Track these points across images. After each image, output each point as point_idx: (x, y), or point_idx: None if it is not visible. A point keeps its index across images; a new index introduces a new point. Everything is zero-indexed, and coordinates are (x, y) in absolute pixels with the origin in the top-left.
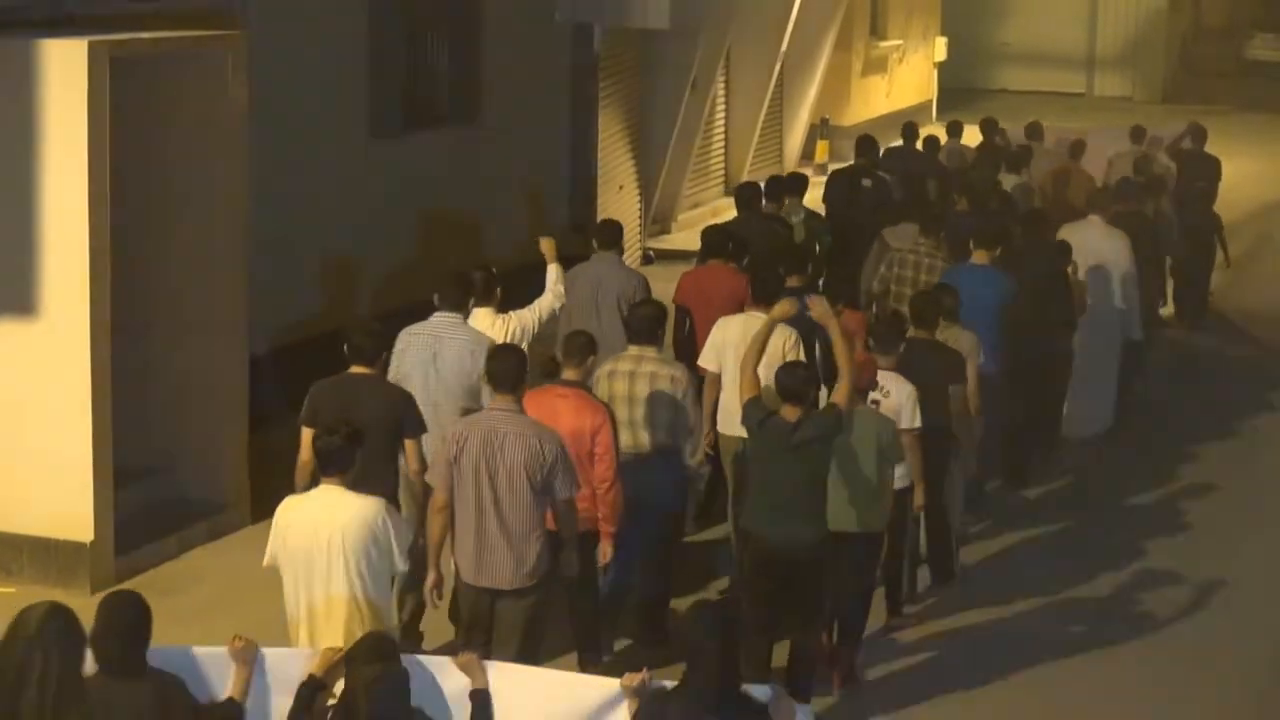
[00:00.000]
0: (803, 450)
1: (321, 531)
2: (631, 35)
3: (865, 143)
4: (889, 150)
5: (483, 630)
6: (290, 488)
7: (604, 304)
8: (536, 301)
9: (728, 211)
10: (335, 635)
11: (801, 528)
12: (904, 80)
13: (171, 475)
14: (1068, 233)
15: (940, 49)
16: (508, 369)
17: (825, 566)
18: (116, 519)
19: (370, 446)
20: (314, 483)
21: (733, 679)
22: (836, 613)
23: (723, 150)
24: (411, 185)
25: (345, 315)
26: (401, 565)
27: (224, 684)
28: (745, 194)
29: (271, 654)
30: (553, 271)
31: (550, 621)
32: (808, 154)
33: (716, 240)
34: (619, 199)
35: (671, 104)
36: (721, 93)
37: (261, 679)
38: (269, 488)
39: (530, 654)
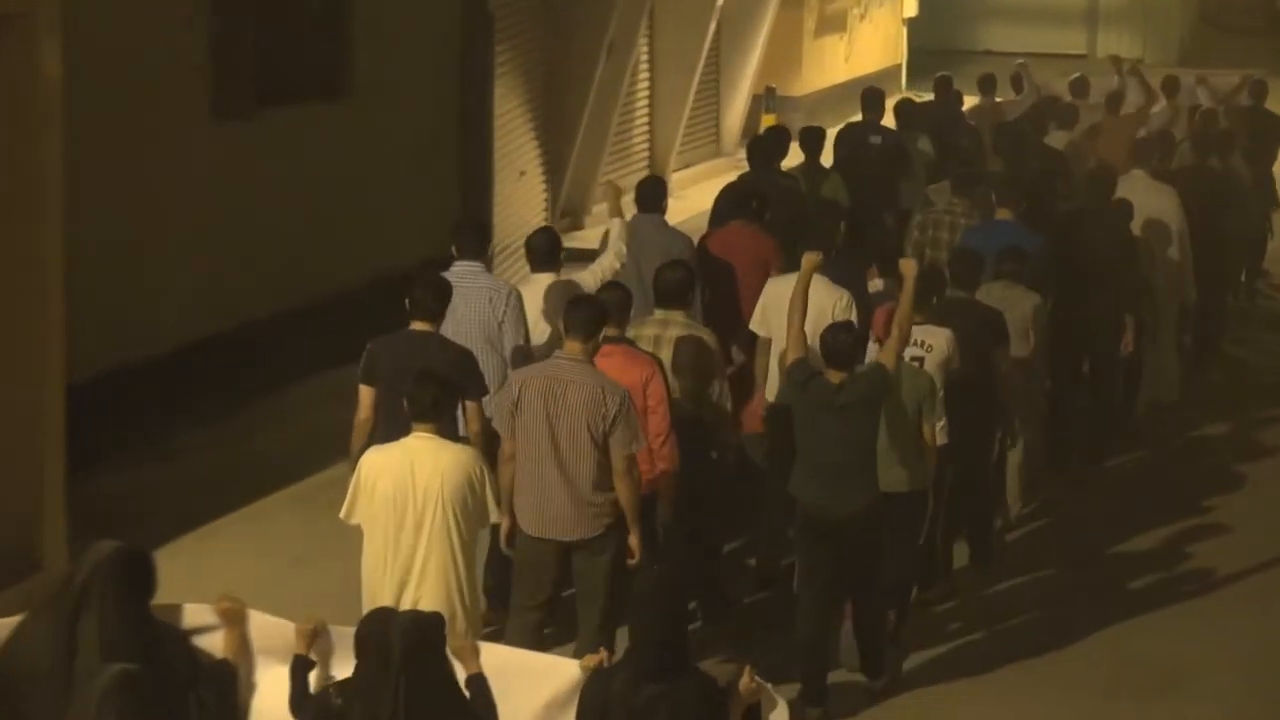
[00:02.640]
0: (849, 412)
1: (420, 476)
2: None
3: (871, 96)
4: (907, 104)
5: (545, 587)
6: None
7: (646, 269)
8: (597, 261)
9: None
10: (436, 594)
11: (852, 493)
12: (867, 41)
13: None
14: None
15: (911, 2)
16: (583, 316)
17: (880, 532)
18: None
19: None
20: (383, 438)
21: (677, 647)
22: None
23: (646, 127)
24: (266, 174)
25: (191, 332)
26: (495, 517)
27: (211, 645)
28: (764, 147)
29: (254, 621)
30: (615, 226)
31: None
32: (750, 131)
33: (737, 199)
34: (520, 187)
35: (584, 72)
36: (645, 58)
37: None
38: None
39: (615, 614)
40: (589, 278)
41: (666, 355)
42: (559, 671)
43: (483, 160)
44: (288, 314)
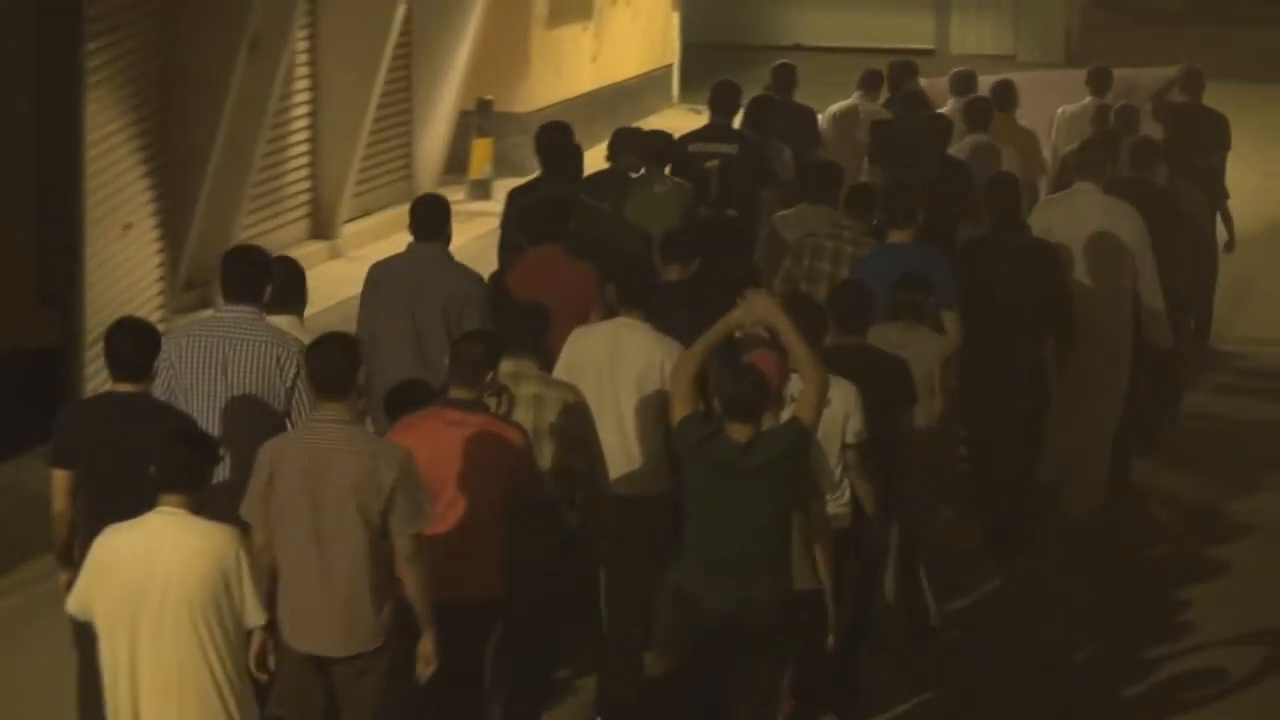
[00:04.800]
0: (757, 479)
1: (160, 563)
2: None
3: (724, 91)
4: (761, 102)
5: (314, 714)
6: None
7: (424, 315)
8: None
9: (323, 263)
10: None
11: (759, 588)
12: (623, 34)
13: None
14: (1043, 211)
15: None
16: (334, 367)
17: (789, 636)
18: None
19: (142, 483)
20: (86, 542)
21: None
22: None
23: (307, 159)
24: None
25: None
26: (258, 617)
27: None
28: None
29: None
30: None
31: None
32: (457, 163)
33: (550, 216)
34: (124, 246)
35: (216, 80)
36: (304, 60)
37: None
38: None
39: None
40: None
41: (524, 418)
42: None
43: (71, 207)
44: None
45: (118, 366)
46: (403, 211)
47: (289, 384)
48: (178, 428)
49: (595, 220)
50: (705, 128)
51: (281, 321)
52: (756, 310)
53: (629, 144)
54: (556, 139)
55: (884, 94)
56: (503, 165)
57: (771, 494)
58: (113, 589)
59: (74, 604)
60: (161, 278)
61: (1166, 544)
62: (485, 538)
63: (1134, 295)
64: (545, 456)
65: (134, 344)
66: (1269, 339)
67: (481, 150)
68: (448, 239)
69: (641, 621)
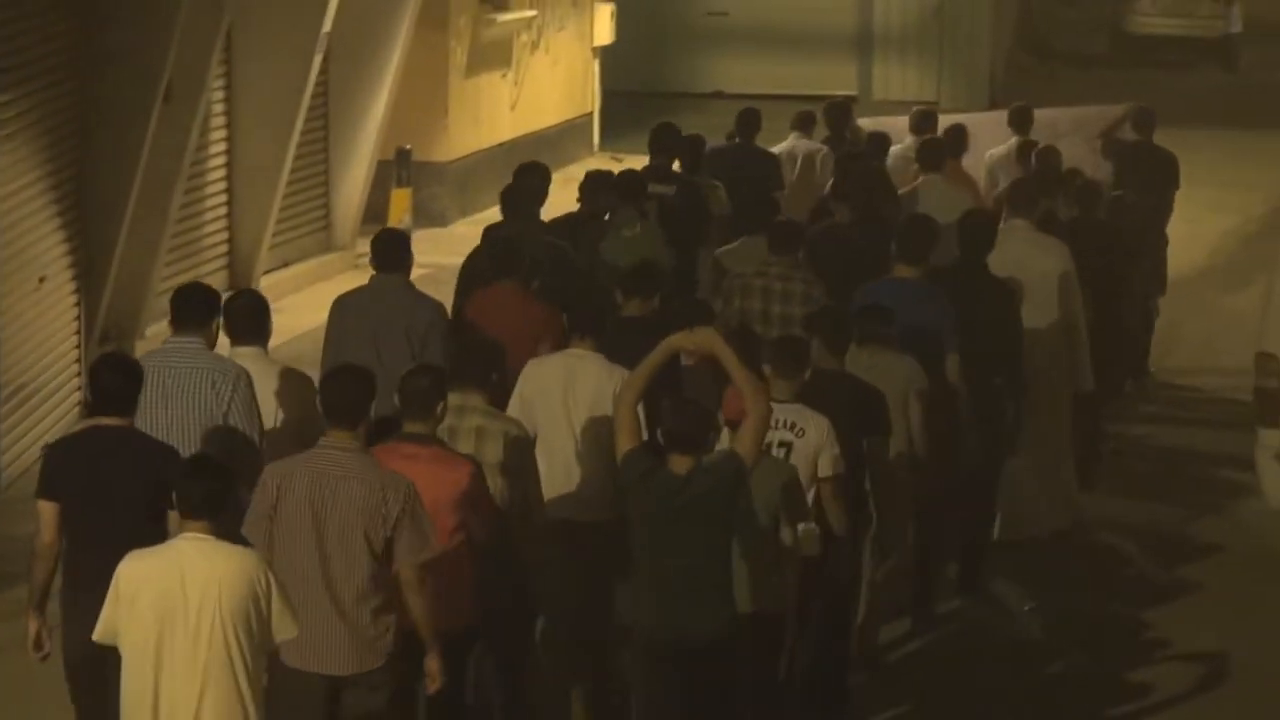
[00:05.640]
0: (696, 511)
1: (192, 587)
2: (53, 5)
3: (663, 133)
4: (696, 143)
5: None
6: None
7: (387, 343)
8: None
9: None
10: None
11: (705, 611)
12: (543, 81)
13: None
14: None
15: (604, 25)
16: (347, 397)
17: (738, 661)
18: None
19: (128, 516)
20: (71, 573)
21: None
22: None
23: (224, 209)
24: None
25: None
26: (286, 632)
27: None
28: (520, 193)
29: None
30: None
31: None
32: (375, 213)
33: (504, 252)
34: (38, 300)
35: (131, 130)
36: (220, 109)
37: None
38: None
39: None
40: None
41: (466, 450)
42: None
43: None
44: None
45: (104, 401)
46: (321, 262)
47: (224, 408)
48: (197, 458)
49: (561, 259)
50: (645, 169)
51: (246, 353)
52: (698, 339)
53: (601, 185)
54: (523, 179)
55: (821, 132)
56: (422, 215)
57: (709, 523)
58: (143, 613)
59: (101, 630)
60: (77, 331)
61: (1118, 569)
62: (446, 567)
63: (1063, 331)
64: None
65: (120, 379)
66: (1199, 369)
67: (400, 200)
68: (408, 269)
69: (586, 651)
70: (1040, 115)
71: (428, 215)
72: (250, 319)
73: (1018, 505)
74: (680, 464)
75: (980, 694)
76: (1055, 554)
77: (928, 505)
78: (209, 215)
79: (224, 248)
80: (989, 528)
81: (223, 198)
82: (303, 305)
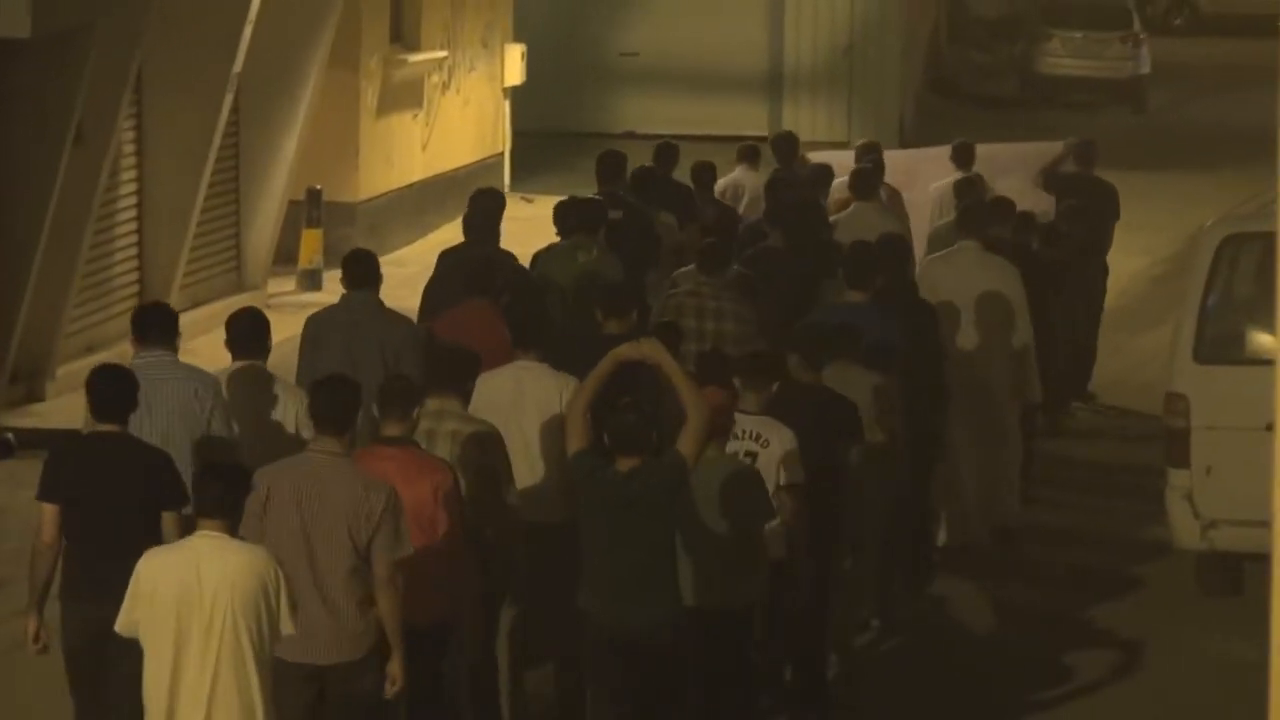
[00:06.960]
0: (638, 507)
1: (207, 582)
2: None
3: (610, 162)
4: (644, 172)
5: None
6: None
7: (362, 359)
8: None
9: None
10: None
11: (649, 603)
12: (454, 121)
13: None
14: (930, 267)
15: (514, 65)
16: (336, 407)
17: (684, 652)
18: None
19: (125, 518)
20: (70, 571)
21: None
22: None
23: (134, 250)
24: None
25: None
26: (290, 627)
27: None
28: (480, 218)
29: None
30: None
31: None
32: (286, 253)
33: (474, 272)
34: None
35: (41, 171)
36: (130, 150)
37: None
38: None
39: None
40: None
41: (443, 452)
42: None
43: None
44: None
45: (101, 409)
46: (233, 302)
47: (207, 414)
48: (213, 461)
49: (523, 280)
50: (595, 196)
51: (247, 367)
52: (643, 350)
53: (570, 212)
54: (483, 203)
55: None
56: (333, 255)
57: (652, 519)
58: (161, 606)
59: (123, 623)
60: None
61: (1056, 571)
62: (422, 564)
63: (1012, 347)
64: (463, 487)
65: (116, 388)
66: (1110, 407)
67: (311, 240)
68: (378, 286)
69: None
70: (982, 150)
71: (339, 255)
72: (253, 336)
73: (964, 509)
74: (625, 463)
75: (948, 688)
76: (1001, 555)
77: (891, 508)
78: (119, 255)
79: (134, 288)
80: (929, 531)
81: (133, 238)
82: (215, 345)
